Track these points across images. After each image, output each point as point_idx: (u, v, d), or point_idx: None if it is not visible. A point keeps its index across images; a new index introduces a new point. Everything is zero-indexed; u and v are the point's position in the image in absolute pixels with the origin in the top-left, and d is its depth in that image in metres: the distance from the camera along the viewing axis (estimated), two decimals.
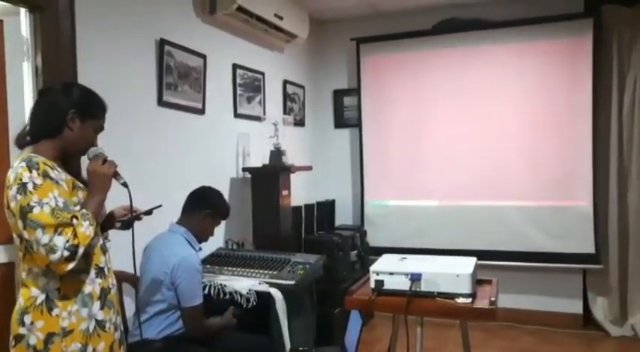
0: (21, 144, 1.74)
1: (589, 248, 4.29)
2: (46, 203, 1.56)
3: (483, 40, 4.56)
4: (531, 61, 4.43)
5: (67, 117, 1.69)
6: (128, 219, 1.86)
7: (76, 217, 1.60)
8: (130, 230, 1.91)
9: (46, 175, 1.60)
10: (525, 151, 4.46)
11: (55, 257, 1.54)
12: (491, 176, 4.55)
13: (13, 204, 1.57)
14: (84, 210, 1.65)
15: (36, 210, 1.55)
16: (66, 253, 1.55)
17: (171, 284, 2.45)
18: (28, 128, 1.74)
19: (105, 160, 1.76)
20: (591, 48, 4.23)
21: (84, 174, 1.83)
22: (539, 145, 4.43)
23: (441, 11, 4.69)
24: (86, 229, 1.61)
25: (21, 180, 1.57)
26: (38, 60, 2.40)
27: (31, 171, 1.58)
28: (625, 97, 4.26)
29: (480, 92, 4.57)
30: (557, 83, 4.36)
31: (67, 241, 1.56)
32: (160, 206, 1.92)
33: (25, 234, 1.56)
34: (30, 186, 1.56)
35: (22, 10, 2.40)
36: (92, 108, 1.76)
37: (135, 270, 1.95)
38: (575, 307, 4.43)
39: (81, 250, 1.59)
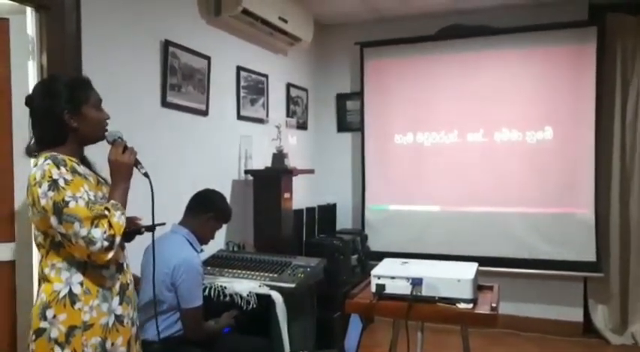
0: (32, 153, 1.73)
1: (590, 256, 4.28)
2: (80, 197, 1.60)
3: (487, 46, 4.56)
4: (535, 67, 4.43)
5: (66, 121, 1.69)
6: (129, 231, 1.85)
7: (108, 208, 1.64)
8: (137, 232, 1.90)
9: (74, 171, 1.65)
10: (528, 158, 4.46)
11: (95, 248, 1.58)
12: (494, 182, 4.54)
13: (44, 202, 1.58)
14: (113, 201, 1.69)
15: (72, 205, 1.58)
16: (105, 243, 1.60)
17: (171, 285, 2.45)
18: (34, 140, 1.74)
19: (125, 147, 1.77)
20: (595, 55, 4.23)
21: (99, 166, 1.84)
22: (541, 152, 4.42)
23: (445, 17, 4.69)
24: (119, 219, 1.65)
25: (50, 176, 1.59)
26: (43, 59, 2.41)
27: (59, 168, 1.61)
28: (628, 105, 4.27)
29: (483, 98, 4.57)
30: (561, 90, 4.36)
31: (104, 232, 1.60)
32: (164, 223, 1.92)
33: (62, 229, 1.58)
34: (61, 182, 1.59)
35: (28, 9, 2.41)
36: (80, 95, 1.73)
37: (154, 269, 1.95)
38: (576, 315, 4.42)
39: (118, 239, 1.64)
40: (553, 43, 4.37)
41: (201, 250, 2.69)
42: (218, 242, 3.39)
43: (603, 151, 4.30)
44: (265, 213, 3.79)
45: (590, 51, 4.25)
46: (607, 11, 4.25)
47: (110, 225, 1.62)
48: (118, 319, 1.72)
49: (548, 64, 4.39)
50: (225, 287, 2.84)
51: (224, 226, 2.89)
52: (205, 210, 2.69)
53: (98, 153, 1.84)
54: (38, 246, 1.70)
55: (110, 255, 1.62)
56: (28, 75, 2.41)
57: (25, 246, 2.41)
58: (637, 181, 4.25)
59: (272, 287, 2.89)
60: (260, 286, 2.90)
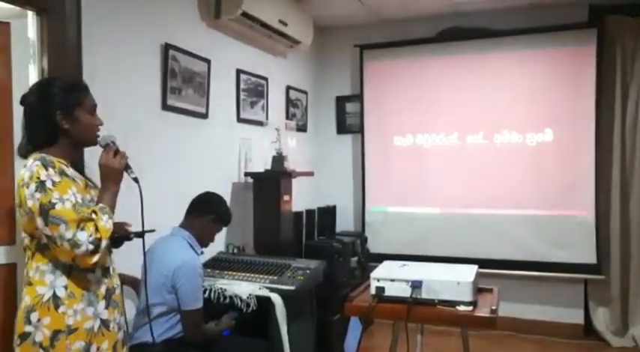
0: (24, 153, 1.73)
1: (590, 258, 4.28)
2: (67, 199, 1.60)
3: (487, 49, 4.57)
4: (535, 70, 4.44)
5: (57, 121, 1.69)
6: (118, 237, 1.85)
7: (95, 212, 1.64)
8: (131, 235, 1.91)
9: (62, 173, 1.64)
10: (528, 160, 4.47)
11: (79, 251, 1.58)
12: (494, 184, 4.55)
13: (30, 203, 1.58)
14: (101, 204, 1.68)
15: (58, 207, 1.57)
16: (90, 247, 1.59)
17: (171, 287, 2.45)
18: (26, 140, 1.74)
19: (117, 151, 1.77)
20: (595, 57, 4.24)
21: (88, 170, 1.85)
22: (541, 154, 4.43)
23: (444, 19, 4.70)
24: (106, 222, 1.64)
25: (38, 178, 1.59)
26: (44, 62, 2.41)
27: (47, 169, 1.60)
28: (628, 107, 4.27)
29: (483, 100, 4.58)
30: (561, 92, 4.37)
31: (90, 235, 1.59)
32: (153, 230, 1.93)
33: (47, 231, 1.58)
34: (49, 184, 1.59)
35: (30, 13, 2.41)
36: (73, 98, 1.73)
37: (145, 273, 1.96)
38: (576, 317, 4.42)
39: (104, 243, 1.63)
40: (553, 45, 4.38)
41: (202, 252, 2.70)
42: (218, 244, 3.39)
43: (603, 153, 4.30)
44: (265, 216, 3.79)
45: (589, 53, 4.26)
46: (606, 13, 4.26)
47: (96, 229, 1.61)
48: (104, 323, 1.71)
49: (548, 66, 4.40)
50: (225, 290, 2.84)
51: (224, 228, 2.90)
52: (205, 213, 2.70)
53: (92, 156, 1.84)
54: (25, 248, 1.69)
55: (95, 258, 1.61)
56: (29, 78, 2.41)
57: None
58: (637, 183, 4.25)
59: (272, 290, 2.90)
60: (260, 288, 2.90)
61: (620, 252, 4.28)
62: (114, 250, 1.85)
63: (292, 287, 2.93)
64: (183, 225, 2.69)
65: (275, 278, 3.03)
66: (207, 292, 2.79)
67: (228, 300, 2.80)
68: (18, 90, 2.40)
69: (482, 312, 2.09)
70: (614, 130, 4.29)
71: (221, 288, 2.85)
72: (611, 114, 4.30)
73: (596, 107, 4.25)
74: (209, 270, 3.13)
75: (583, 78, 4.28)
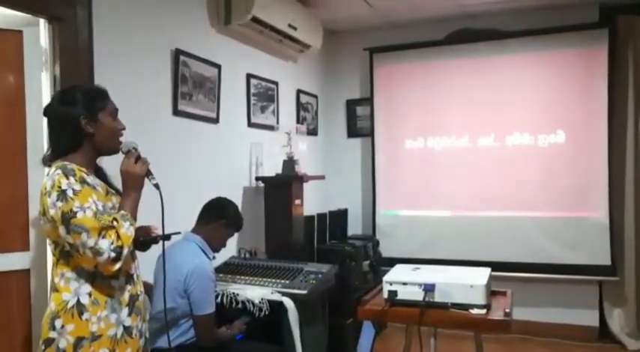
0: (47, 162, 1.74)
1: (605, 259, 4.23)
2: (88, 207, 1.60)
3: (497, 50, 4.55)
4: (545, 71, 4.41)
5: (82, 126, 1.70)
6: (144, 241, 1.87)
7: (116, 219, 1.64)
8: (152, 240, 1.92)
9: (83, 181, 1.64)
10: (540, 162, 4.43)
11: (102, 259, 1.59)
12: (505, 187, 4.52)
13: (52, 211, 1.59)
14: (122, 212, 1.68)
15: (79, 215, 1.58)
16: (112, 254, 1.60)
17: (184, 292, 2.46)
18: (50, 150, 1.75)
19: (138, 158, 1.77)
20: (606, 58, 4.20)
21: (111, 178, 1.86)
22: (553, 156, 4.40)
23: (453, 21, 4.69)
24: (127, 230, 1.64)
25: (59, 187, 1.59)
26: (56, 70, 2.44)
27: (68, 178, 1.61)
28: None
29: (493, 102, 4.56)
30: (573, 93, 4.34)
31: (112, 243, 1.60)
32: (179, 233, 1.94)
33: (70, 239, 1.59)
34: (70, 193, 1.59)
35: (42, 21, 2.45)
36: (96, 102, 1.74)
37: (164, 277, 1.96)
38: (591, 319, 4.37)
39: (125, 250, 1.63)
40: (564, 46, 4.35)
41: (214, 257, 2.71)
42: (230, 249, 3.40)
43: (617, 153, 4.26)
44: (276, 220, 3.80)
45: (601, 53, 4.22)
46: (618, 13, 4.23)
47: (118, 236, 1.61)
48: (127, 330, 1.72)
49: (560, 67, 4.37)
50: (238, 294, 2.84)
51: (236, 233, 2.90)
52: (217, 218, 2.71)
53: (114, 163, 1.85)
54: (52, 253, 1.71)
55: (117, 266, 1.62)
56: (41, 86, 2.45)
57: (39, 255, 2.44)
58: None
59: (284, 294, 2.89)
60: (272, 293, 2.90)
61: (635, 253, 4.23)
62: (139, 256, 1.86)
63: (304, 292, 2.92)
64: (195, 230, 2.71)
65: (287, 282, 3.03)
66: (220, 297, 2.80)
67: (240, 305, 2.80)
68: (31, 98, 2.44)
69: (496, 315, 2.07)
70: (628, 130, 4.25)
71: (233, 293, 2.85)
72: (624, 114, 4.26)
73: (609, 107, 4.21)
74: (221, 275, 3.13)
75: (595, 78, 4.25)
